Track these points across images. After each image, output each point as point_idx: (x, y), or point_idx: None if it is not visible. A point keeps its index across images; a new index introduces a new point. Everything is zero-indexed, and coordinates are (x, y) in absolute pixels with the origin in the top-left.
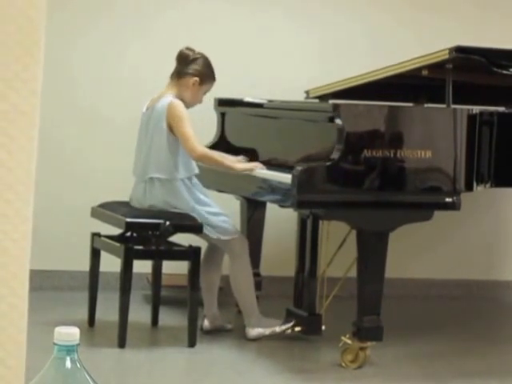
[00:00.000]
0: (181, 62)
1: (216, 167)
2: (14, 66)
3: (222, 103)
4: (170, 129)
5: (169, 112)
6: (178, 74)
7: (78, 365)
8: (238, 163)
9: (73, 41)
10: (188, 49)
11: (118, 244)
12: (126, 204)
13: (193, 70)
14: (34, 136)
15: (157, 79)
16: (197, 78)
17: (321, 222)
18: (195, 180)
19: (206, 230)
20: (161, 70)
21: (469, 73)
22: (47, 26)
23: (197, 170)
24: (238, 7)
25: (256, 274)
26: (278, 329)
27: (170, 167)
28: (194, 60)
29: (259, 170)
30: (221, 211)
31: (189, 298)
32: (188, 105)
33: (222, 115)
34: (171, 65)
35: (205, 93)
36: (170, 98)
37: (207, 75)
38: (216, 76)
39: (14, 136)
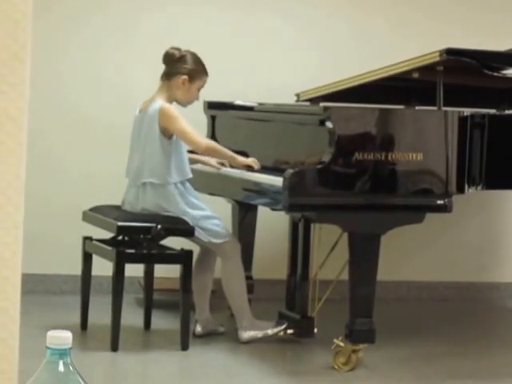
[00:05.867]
0: (168, 62)
1: (220, 158)
2: (0, 70)
3: (212, 106)
4: (163, 133)
5: (161, 117)
6: (167, 75)
7: (71, 368)
8: (239, 156)
9: (61, 44)
10: (173, 48)
11: (109, 248)
12: (117, 208)
13: (180, 68)
14: (23, 140)
15: (147, 82)
16: (185, 77)
17: (312, 224)
18: (188, 184)
19: (198, 234)
20: (151, 72)
21: (460, 75)
22: (34, 29)
23: (190, 175)
24: (227, 11)
25: (248, 277)
26: (270, 331)
27: (163, 172)
28: (181, 58)
29: (251, 173)
30: (213, 214)
31: (181, 301)
32: (183, 104)
33: (212, 118)
34: (160, 67)
35: (198, 89)
36: (160, 103)
37: (196, 71)
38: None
39: (2, 140)
